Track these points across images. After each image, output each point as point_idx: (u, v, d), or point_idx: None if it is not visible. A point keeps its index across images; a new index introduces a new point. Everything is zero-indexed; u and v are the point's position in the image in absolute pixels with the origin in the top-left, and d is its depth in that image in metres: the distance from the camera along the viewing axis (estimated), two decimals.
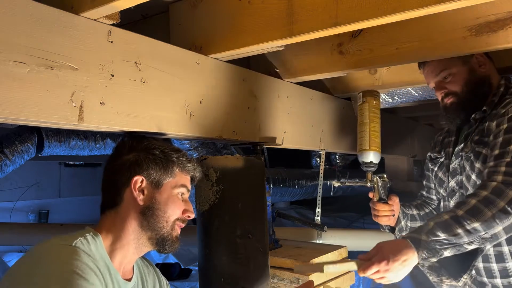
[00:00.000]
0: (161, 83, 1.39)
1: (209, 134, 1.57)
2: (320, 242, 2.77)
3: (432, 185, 1.94)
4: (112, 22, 1.24)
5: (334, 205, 7.96)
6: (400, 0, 1.20)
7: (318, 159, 5.86)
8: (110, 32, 1.25)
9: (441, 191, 1.84)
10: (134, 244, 1.19)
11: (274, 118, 1.92)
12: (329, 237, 2.87)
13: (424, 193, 2.02)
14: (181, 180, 1.26)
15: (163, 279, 1.48)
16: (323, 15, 1.34)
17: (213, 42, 1.57)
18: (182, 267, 5.31)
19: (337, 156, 5.84)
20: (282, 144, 1.96)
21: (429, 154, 1.95)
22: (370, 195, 1.84)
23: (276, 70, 1.98)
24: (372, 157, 1.85)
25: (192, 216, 1.28)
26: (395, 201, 1.84)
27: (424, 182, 2.02)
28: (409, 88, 2.34)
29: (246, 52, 1.60)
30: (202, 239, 1.62)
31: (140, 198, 1.18)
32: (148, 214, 1.18)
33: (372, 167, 1.85)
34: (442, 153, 1.84)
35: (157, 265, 5.29)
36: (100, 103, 1.21)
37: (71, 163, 7.47)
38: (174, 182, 1.24)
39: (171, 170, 1.23)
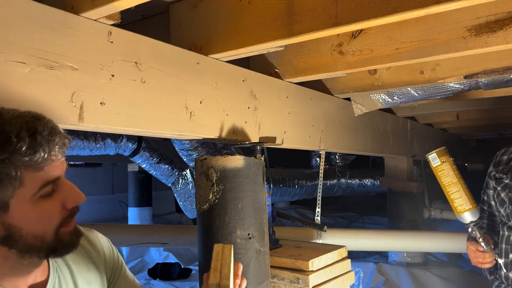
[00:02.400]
0: (161, 83, 1.39)
1: (209, 134, 1.57)
2: (320, 242, 2.77)
3: (493, 203, 1.95)
4: (112, 22, 1.24)
5: (334, 205, 7.96)
6: (400, 0, 1.20)
7: (318, 159, 5.86)
8: (110, 32, 1.25)
9: (502, 210, 1.85)
10: (14, 271, 0.87)
11: (274, 118, 1.92)
12: (329, 237, 2.87)
13: (485, 208, 2.02)
14: (34, 182, 0.81)
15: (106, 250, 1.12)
16: (323, 15, 1.34)
17: (213, 42, 1.57)
18: (182, 267, 5.31)
19: (337, 156, 5.84)
20: (282, 144, 1.96)
21: (493, 172, 1.93)
22: (480, 248, 1.80)
23: (276, 70, 1.98)
24: (477, 214, 1.85)
25: (81, 200, 0.89)
26: (491, 241, 1.84)
27: (485, 198, 2.03)
28: (409, 88, 2.34)
29: (246, 52, 1.60)
30: (202, 239, 1.62)
31: None
32: (10, 243, 0.83)
33: (478, 223, 1.85)
34: (509, 175, 1.84)
35: (157, 265, 5.29)
36: (101, 103, 1.21)
37: (71, 163, 7.47)
38: (24, 191, 0.80)
39: (12, 179, 0.79)
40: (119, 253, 1.14)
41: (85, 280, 1.01)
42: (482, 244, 1.80)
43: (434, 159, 1.88)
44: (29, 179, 0.80)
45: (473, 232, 1.82)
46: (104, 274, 1.07)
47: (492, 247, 1.82)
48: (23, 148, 0.78)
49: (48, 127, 0.81)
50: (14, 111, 0.81)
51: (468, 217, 1.84)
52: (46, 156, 0.80)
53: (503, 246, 1.84)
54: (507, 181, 1.83)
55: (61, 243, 0.87)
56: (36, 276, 0.91)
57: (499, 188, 1.87)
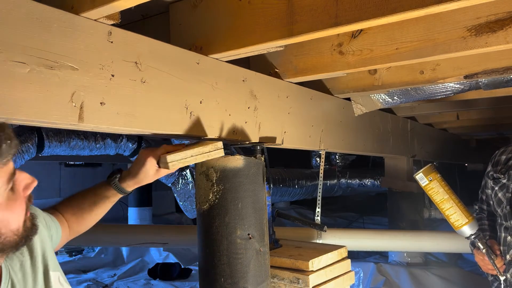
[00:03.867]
0: (161, 83, 1.39)
1: (209, 134, 1.57)
2: (320, 242, 2.77)
3: (491, 202, 1.96)
4: (112, 22, 1.24)
5: (334, 205, 7.97)
6: (400, 0, 1.20)
7: (318, 159, 5.86)
8: (110, 32, 1.25)
9: (499, 210, 1.86)
10: None
11: (274, 118, 1.92)
12: (329, 237, 2.87)
13: (485, 207, 2.03)
14: (3, 179, 0.81)
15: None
16: (323, 15, 1.34)
17: (213, 42, 1.57)
18: (182, 267, 5.31)
19: (337, 156, 5.85)
20: (282, 144, 1.96)
21: (491, 172, 1.94)
22: (486, 259, 1.82)
23: (276, 70, 1.98)
24: (475, 225, 1.86)
25: (35, 183, 0.90)
26: (496, 247, 1.85)
27: (484, 198, 2.03)
28: (409, 88, 2.34)
29: (246, 52, 1.60)
30: (202, 239, 1.62)
31: None
32: None
33: (479, 234, 1.86)
34: (506, 175, 1.84)
35: (157, 265, 5.29)
36: (100, 103, 1.21)
37: (72, 163, 7.47)
38: None
39: None
40: (40, 210, 1.13)
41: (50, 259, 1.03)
42: (486, 257, 1.80)
43: (421, 178, 1.89)
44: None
45: (477, 244, 1.82)
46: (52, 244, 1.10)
47: (498, 253, 1.83)
48: None
49: None
50: None
51: (467, 230, 1.84)
52: (7, 151, 0.78)
53: (501, 247, 1.84)
54: (504, 181, 1.83)
55: (29, 230, 0.88)
56: None
57: (496, 188, 1.88)
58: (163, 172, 1.34)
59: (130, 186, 1.31)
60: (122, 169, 1.36)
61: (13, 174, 0.83)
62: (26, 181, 0.87)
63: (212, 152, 1.43)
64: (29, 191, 0.88)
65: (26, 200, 0.88)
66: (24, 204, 0.87)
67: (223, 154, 1.47)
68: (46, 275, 1.01)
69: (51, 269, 1.03)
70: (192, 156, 1.38)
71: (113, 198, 1.30)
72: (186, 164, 1.38)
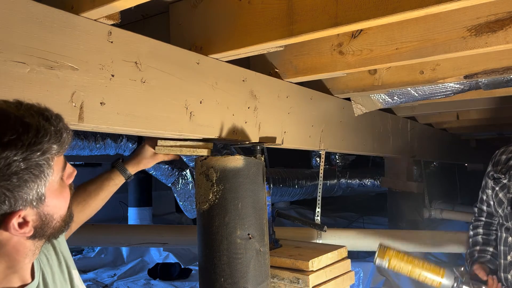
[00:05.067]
0: (161, 83, 1.39)
1: (209, 134, 1.58)
2: (320, 242, 2.77)
3: (492, 202, 1.95)
4: (112, 22, 1.24)
5: (334, 205, 7.97)
6: (400, 0, 1.20)
7: (318, 159, 5.86)
8: (110, 32, 1.25)
9: (500, 210, 1.86)
10: (31, 257, 0.91)
11: (274, 118, 1.92)
12: (329, 237, 2.87)
13: (485, 208, 2.03)
14: (59, 167, 0.88)
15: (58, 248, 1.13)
16: (323, 15, 1.34)
17: (213, 42, 1.57)
18: (182, 267, 5.32)
19: (337, 156, 5.85)
20: (282, 144, 1.96)
21: (491, 172, 1.94)
22: None
23: (276, 70, 1.98)
24: (450, 274, 1.83)
25: (75, 173, 0.96)
26: (483, 273, 1.84)
27: (484, 198, 2.03)
28: (409, 88, 2.34)
29: (246, 52, 1.60)
30: (202, 239, 1.62)
31: (26, 231, 0.84)
32: (41, 233, 0.88)
33: (458, 279, 1.83)
34: (507, 175, 1.84)
35: (157, 265, 5.30)
36: (101, 103, 1.21)
37: (71, 163, 7.46)
38: (54, 177, 0.86)
39: (47, 169, 0.83)
40: None
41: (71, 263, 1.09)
42: None
43: (380, 263, 1.87)
44: (56, 165, 0.86)
45: None
46: None
47: (485, 278, 1.82)
48: (51, 141, 0.82)
49: (53, 113, 0.86)
50: (17, 104, 0.83)
51: (446, 283, 1.83)
52: (67, 140, 0.87)
53: (501, 248, 1.84)
54: (505, 181, 1.83)
55: (69, 217, 0.95)
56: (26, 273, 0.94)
57: (497, 188, 1.88)
58: (159, 158, 1.56)
59: (131, 167, 1.50)
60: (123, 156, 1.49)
61: (65, 163, 0.90)
62: (69, 170, 0.93)
63: (198, 150, 1.60)
64: (71, 180, 0.94)
65: (69, 188, 0.94)
66: (69, 191, 0.93)
67: (209, 154, 1.61)
68: (70, 273, 1.06)
69: (71, 267, 1.08)
70: (180, 146, 1.56)
71: (117, 180, 1.46)
72: (173, 153, 1.56)
